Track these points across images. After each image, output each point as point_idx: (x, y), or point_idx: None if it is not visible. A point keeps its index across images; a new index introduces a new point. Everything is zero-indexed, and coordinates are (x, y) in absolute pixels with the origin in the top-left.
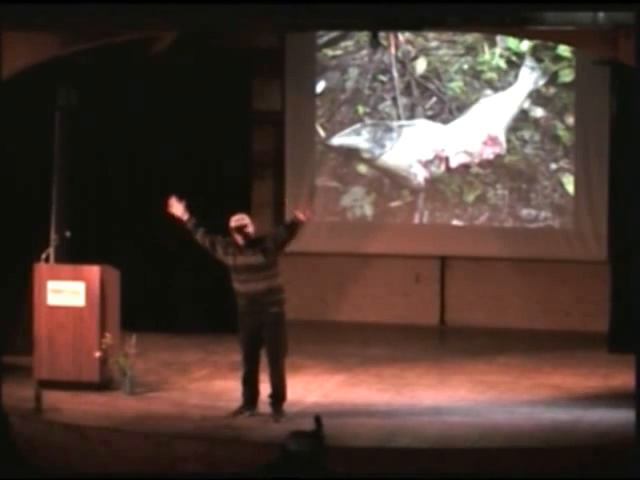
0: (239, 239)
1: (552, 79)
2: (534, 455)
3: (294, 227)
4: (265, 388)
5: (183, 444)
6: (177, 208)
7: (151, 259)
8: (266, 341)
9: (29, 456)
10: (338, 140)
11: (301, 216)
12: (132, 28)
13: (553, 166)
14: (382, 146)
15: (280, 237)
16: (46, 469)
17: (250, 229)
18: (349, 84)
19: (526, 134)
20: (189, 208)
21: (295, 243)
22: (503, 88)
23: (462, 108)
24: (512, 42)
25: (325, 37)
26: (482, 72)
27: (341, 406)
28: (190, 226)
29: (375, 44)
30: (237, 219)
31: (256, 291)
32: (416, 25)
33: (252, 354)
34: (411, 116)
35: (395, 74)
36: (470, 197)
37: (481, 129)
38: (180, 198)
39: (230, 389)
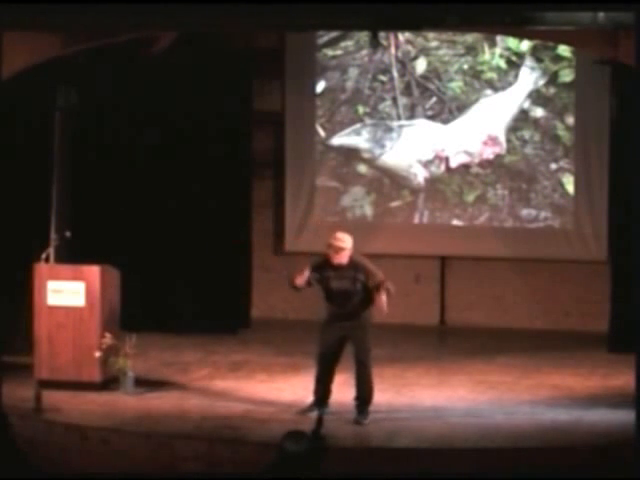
0: (333, 257)
1: (552, 79)
2: (534, 455)
3: (375, 294)
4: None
5: (183, 444)
6: (304, 276)
7: (151, 259)
8: (354, 343)
9: (29, 456)
10: (338, 140)
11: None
12: (132, 28)
13: (553, 166)
14: (382, 146)
15: (368, 286)
16: (46, 469)
17: (346, 254)
18: (349, 84)
19: (526, 134)
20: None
21: (295, 243)
22: (503, 88)
23: (462, 108)
24: (512, 42)
25: (325, 37)
26: (482, 72)
27: (341, 406)
28: (312, 281)
29: (375, 44)
30: (339, 239)
31: (347, 308)
32: (416, 25)
33: (332, 354)
34: (411, 116)
35: (395, 74)
36: (470, 197)
37: (481, 129)
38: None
39: (230, 389)
